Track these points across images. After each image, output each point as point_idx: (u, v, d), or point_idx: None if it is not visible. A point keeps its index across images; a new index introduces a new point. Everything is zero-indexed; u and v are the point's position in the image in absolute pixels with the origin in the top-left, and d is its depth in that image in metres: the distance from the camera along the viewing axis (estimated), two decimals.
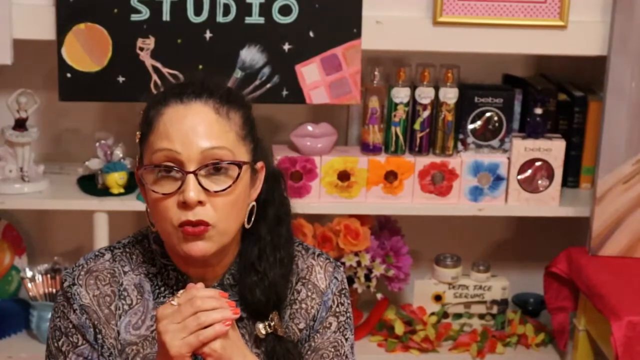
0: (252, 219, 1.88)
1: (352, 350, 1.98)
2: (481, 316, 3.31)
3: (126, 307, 1.89)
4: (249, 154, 1.85)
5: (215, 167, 1.79)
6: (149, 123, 1.82)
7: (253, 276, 1.89)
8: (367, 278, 3.12)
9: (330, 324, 1.95)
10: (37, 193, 3.04)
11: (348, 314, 1.97)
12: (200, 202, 1.76)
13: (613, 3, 2.96)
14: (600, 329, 2.93)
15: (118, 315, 1.88)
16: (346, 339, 1.97)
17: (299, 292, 1.94)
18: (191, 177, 1.76)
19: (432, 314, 3.28)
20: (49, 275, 3.13)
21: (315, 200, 3.07)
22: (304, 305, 1.95)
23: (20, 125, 3.02)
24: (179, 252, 1.82)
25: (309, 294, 1.95)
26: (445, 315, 3.29)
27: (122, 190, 3.01)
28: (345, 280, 2.00)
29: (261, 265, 1.89)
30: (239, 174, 1.80)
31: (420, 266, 3.33)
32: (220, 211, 1.79)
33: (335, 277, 1.97)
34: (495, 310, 3.30)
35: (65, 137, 3.27)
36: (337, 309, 1.96)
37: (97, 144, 3.07)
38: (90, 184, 3.07)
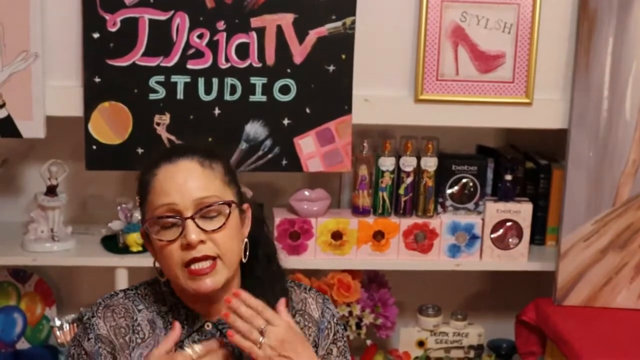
0: (247, 253, 1.93)
1: None
2: None
3: (139, 340, 1.93)
4: (234, 196, 1.92)
5: (208, 211, 1.86)
6: (145, 185, 1.89)
7: None
8: (358, 326, 3.11)
9: (331, 350, 2.01)
10: (66, 251, 3.03)
11: (344, 339, 2.04)
12: (201, 241, 1.84)
13: (572, 83, 2.97)
14: None
15: (132, 347, 1.92)
16: None
17: (298, 323, 1.96)
18: (189, 221, 1.83)
19: (416, 358, 3.27)
20: (75, 324, 3.08)
21: (311, 257, 3.06)
22: (304, 334, 1.95)
23: (51, 191, 3.03)
24: (188, 291, 1.87)
25: (306, 323, 2.00)
26: (427, 359, 3.28)
27: (140, 249, 3.00)
28: (335, 310, 2.06)
29: (260, 298, 1.90)
30: (229, 212, 1.87)
31: (405, 315, 3.33)
32: (221, 246, 1.85)
33: (328, 307, 2.03)
34: (472, 354, 3.29)
35: (91, 201, 3.27)
36: (335, 337, 2.02)
37: (119, 207, 3.07)
38: (112, 243, 3.06)
